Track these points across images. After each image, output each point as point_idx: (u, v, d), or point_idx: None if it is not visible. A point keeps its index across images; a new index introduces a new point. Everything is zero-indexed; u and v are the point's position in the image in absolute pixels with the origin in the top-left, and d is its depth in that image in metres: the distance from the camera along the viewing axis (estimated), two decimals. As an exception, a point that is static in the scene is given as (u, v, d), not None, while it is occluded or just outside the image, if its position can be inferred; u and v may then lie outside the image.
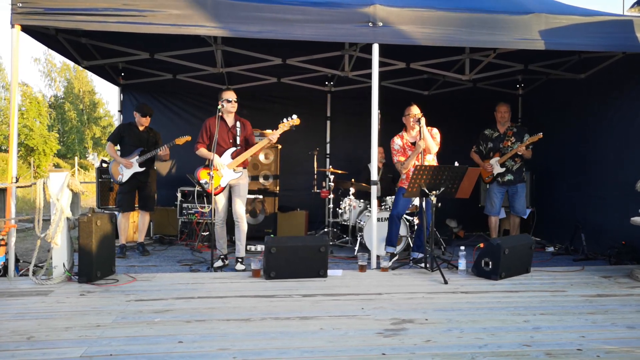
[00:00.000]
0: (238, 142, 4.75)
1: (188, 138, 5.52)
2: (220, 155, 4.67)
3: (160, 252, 5.76)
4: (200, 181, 4.72)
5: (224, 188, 4.69)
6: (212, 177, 4.56)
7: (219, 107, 4.63)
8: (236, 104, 4.74)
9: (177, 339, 2.74)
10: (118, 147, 5.67)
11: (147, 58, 6.19)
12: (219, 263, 4.76)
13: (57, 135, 30.02)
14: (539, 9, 4.71)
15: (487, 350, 2.62)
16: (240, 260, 4.72)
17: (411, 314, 3.23)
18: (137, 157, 5.49)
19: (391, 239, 5.01)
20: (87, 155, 34.37)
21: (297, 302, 3.51)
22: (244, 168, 4.83)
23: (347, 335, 2.83)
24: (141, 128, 5.63)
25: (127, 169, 5.46)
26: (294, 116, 4.72)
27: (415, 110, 4.88)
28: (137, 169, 5.50)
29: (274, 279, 4.13)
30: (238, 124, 4.78)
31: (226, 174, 4.66)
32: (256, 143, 4.75)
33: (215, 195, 4.68)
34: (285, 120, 4.72)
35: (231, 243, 5.20)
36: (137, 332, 2.85)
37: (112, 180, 5.75)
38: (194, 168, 4.82)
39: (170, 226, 6.79)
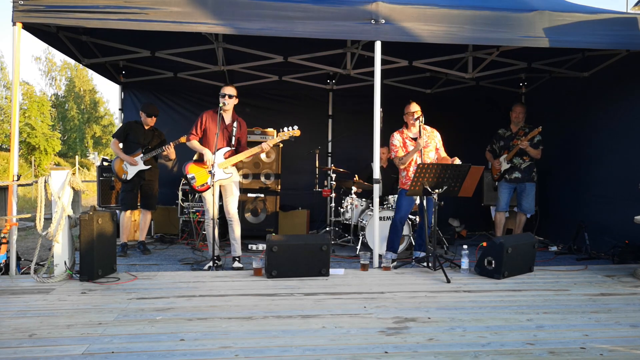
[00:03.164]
0: (233, 142, 4.68)
1: None
2: (212, 153, 4.61)
3: (161, 251, 5.74)
4: (188, 175, 4.66)
5: (210, 186, 4.56)
6: (213, 174, 4.48)
7: (220, 104, 4.58)
8: (231, 100, 4.63)
9: (179, 337, 2.73)
10: (121, 145, 5.65)
11: (148, 56, 6.17)
12: (208, 264, 4.63)
13: (60, 135, 30.02)
14: (543, 6, 4.69)
15: (490, 349, 2.61)
16: (237, 259, 4.69)
17: (414, 313, 3.22)
18: (142, 154, 5.49)
19: (393, 244, 4.90)
20: (87, 155, 34.44)
21: (299, 301, 3.50)
22: (236, 168, 4.81)
23: (349, 334, 2.82)
24: (146, 127, 5.63)
25: (131, 167, 5.45)
26: (295, 127, 4.69)
27: (413, 107, 4.87)
28: (142, 166, 5.50)
29: (276, 277, 4.12)
30: (235, 123, 4.70)
31: (216, 173, 4.54)
32: (248, 143, 4.69)
33: (201, 192, 4.63)
34: (286, 129, 4.69)
35: (228, 243, 5.16)
36: (139, 330, 2.84)
37: (114, 177, 5.72)
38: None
39: (171, 225, 6.77)
